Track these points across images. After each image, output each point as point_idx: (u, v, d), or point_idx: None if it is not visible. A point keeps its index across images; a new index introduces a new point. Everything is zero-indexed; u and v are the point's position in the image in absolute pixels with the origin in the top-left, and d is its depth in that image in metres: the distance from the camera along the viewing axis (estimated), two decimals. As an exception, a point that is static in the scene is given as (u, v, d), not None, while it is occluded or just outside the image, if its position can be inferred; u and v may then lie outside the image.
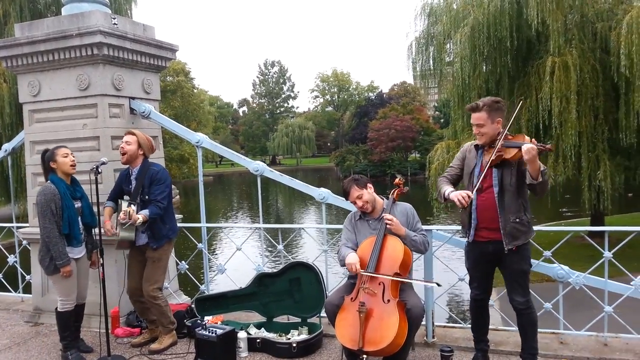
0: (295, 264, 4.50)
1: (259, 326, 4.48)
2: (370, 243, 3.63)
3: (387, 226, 3.60)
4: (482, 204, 3.40)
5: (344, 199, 4.11)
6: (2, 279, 6.13)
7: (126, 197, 4.23)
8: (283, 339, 4.21)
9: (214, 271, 5.47)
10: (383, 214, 3.68)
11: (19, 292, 6.03)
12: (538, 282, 6.95)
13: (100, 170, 4.02)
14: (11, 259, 6.06)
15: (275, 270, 4.63)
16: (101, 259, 4.02)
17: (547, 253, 4.10)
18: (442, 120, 56.00)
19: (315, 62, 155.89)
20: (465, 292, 3.79)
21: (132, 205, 4.08)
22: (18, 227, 5.82)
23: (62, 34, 4.62)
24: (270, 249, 9.44)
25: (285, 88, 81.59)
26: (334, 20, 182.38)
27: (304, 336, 4.23)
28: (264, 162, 5.55)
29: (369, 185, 3.82)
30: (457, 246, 4.17)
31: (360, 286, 3.51)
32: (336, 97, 78.33)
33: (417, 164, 46.71)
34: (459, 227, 3.90)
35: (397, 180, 3.94)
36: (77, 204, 4.09)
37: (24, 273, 5.86)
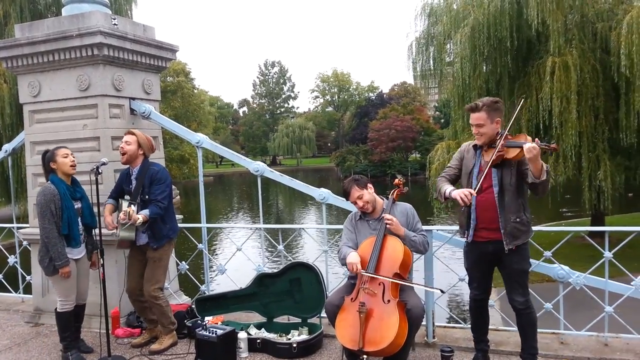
0: (296, 264, 4.50)
1: (259, 326, 4.48)
2: (370, 243, 3.63)
3: (387, 226, 3.61)
4: (482, 204, 3.40)
5: (344, 199, 4.11)
6: (2, 280, 6.14)
7: (127, 197, 4.24)
8: (283, 340, 4.21)
9: (214, 271, 5.48)
10: (383, 214, 3.68)
11: (19, 293, 6.03)
12: (538, 282, 6.95)
13: (100, 171, 4.02)
14: (11, 259, 6.06)
15: (275, 271, 4.63)
16: (101, 260, 4.02)
17: (548, 253, 4.10)
18: (442, 121, 55.98)
19: (316, 62, 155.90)
20: (465, 292, 3.80)
21: (132, 206, 4.08)
22: (18, 228, 5.83)
23: (63, 34, 4.63)
24: (270, 249, 9.43)
25: (285, 88, 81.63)
26: (334, 20, 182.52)
27: (304, 336, 4.23)
28: (264, 162, 5.57)
29: (369, 185, 3.83)
30: (458, 246, 4.17)
31: (360, 286, 3.51)
32: (336, 97, 78.32)
33: (418, 164, 46.70)
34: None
35: (396, 180, 3.94)
36: (77, 205, 4.09)
37: (24, 273, 5.87)
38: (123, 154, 4.23)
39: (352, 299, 3.52)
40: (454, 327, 4.57)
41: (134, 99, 5.10)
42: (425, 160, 19.16)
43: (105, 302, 3.98)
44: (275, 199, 37.51)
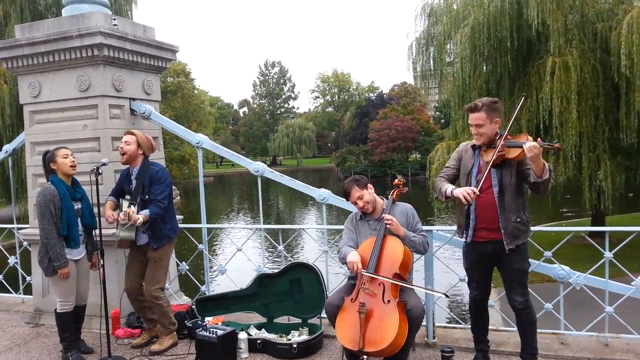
0: (296, 264, 4.50)
1: (259, 327, 4.48)
2: (370, 243, 3.63)
3: (387, 226, 3.60)
4: (482, 204, 3.39)
5: (344, 199, 4.11)
6: (2, 280, 6.14)
7: (127, 197, 4.24)
8: (283, 340, 4.21)
9: (214, 272, 5.48)
10: (383, 215, 3.68)
11: (19, 293, 6.03)
12: (539, 283, 6.96)
13: (100, 171, 4.01)
14: (12, 260, 6.06)
15: (275, 271, 4.63)
16: (102, 260, 4.02)
17: (548, 253, 4.10)
18: (442, 121, 55.98)
19: (316, 62, 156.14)
20: (465, 292, 3.79)
21: (132, 206, 4.08)
22: (19, 228, 5.82)
23: (63, 35, 4.63)
24: (270, 249, 9.43)
25: (285, 89, 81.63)
26: (335, 20, 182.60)
27: (304, 337, 4.23)
28: (265, 162, 5.57)
29: (370, 185, 3.82)
30: (458, 246, 4.17)
31: (360, 287, 3.51)
32: (336, 97, 78.33)
33: (418, 164, 46.70)
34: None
35: (396, 180, 3.94)
36: (77, 206, 4.09)
37: (24, 274, 5.87)
38: (123, 154, 4.23)
39: (352, 299, 3.51)
40: (454, 328, 4.56)
41: (134, 99, 5.10)
42: (425, 161, 19.15)
43: (106, 303, 3.98)
44: (276, 200, 37.50)
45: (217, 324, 4.42)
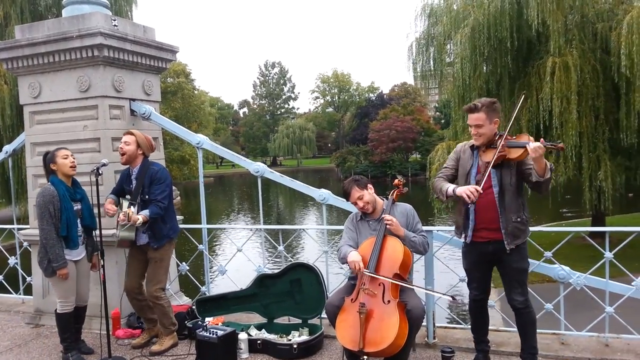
0: (296, 265, 4.51)
1: (259, 327, 4.48)
2: (370, 244, 3.63)
3: (387, 227, 3.60)
4: (482, 205, 3.39)
5: (344, 199, 4.11)
6: (3, 281, 6.14)
7: (127, 197, 4.24)
8: (284, 340, 4.21)
9: (214, 272, 5.47)
10: (383, 215, 3.68)
11: (19, 294, 6.04)
12: (539, 283, 6.95)
13: (101, 172, 4.02)
14: (12, 260, 6.06)
15: (276, 272, 4.63)
16: (102, 261, 4.02)
17: (548, 254, 4.10)
18: (442, 121, 55.98)
19: (316, 63, 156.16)
20: (466, 292, 3.79)
21: (132, 206, 4.08)
22: (19, 229, 5.83)
23: (63, 35, 4.63)
24: (270, 250, 9.43)
25: (285, 89, 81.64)
26: (335, 21, 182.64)
27: (304, 337, 4.23)
28: (265, 163, 5.57)
29: (370, 186, 3.83)
30: (458, 247, 4.16)
31: (360, 287, 3.51)
32: (337, 98, 78.35)
33: (418, 164, 46.66)
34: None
35: (396, 181, 3.94)
36: (77, 206, 4.09)
37: (24, 275, 5.87)
38: (122, 155, 4.23)
39: (352, 299, 3.51)
40: (454, 328, 4.56)
41: (134, 99, 5.11)
42: (425, 161, 19.13)
43: (106, 303, 3.98)
44: (276, 200, 37.51)
45: (218, 324, 4.42)
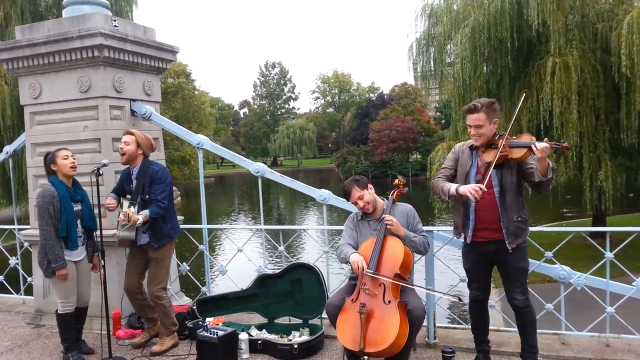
0: (297, 265, 4.50)
1: (260, 327, 4.48)
2: (370, 244, 3.63)
3: (387, 227, 3.60)
4: (482, 205, 3.39)
5: (345, 200, 4.11)
6: (3, 281, 6.14)
7: (128, 197, 4.24)
8: (284, 340, 4.21)
9: (215, 273, 5.48)
10: (383, 215, 3.68)
11: (20, 294, 6.04)
12: (539, 283, 6.94)
13: (101, 172, 4.02)
14: (13, 260, 6.06)
15: (276, 272, 4.63)
16: (102, 261, 4.02)
17: (549, 254, 4.10)
18: (443, 121, 55.96)
19: (316, 63, 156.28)
20: (466, 292, 3.79)
21: (132, 206, 4.08)
22: (19, 229, 5.83)
23: (63, 36, 4.63)
24: (271, 250, 9.43)
25: (286, 89, 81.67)
26: (335, 21, 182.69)
27: (305, 337, 4.23)
28: (265, 163, 5.57)
29: (370, 186, 3.82)
30: (458, 247, 4.16)
31: (361, 287, 3.51)
32: (337, 98, 78.37)
33: (419, 164, 46.66)
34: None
35: (396, 181, 3.94)
36: (77, 207, 4.09)
37: (25, 275, 5.87)
38: (122, 154, 4.23)
39: (352, 299, 3.51)
40: (455, 328, 4.56)
41: (134, 100, 5.11)
42: (426, 161, 19.13)
43: (107, 303, 3.98)
44: (276, 200, 37.50)
45: (218, 324, 4.42)
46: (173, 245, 4.50)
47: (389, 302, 3.38)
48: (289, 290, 4.47)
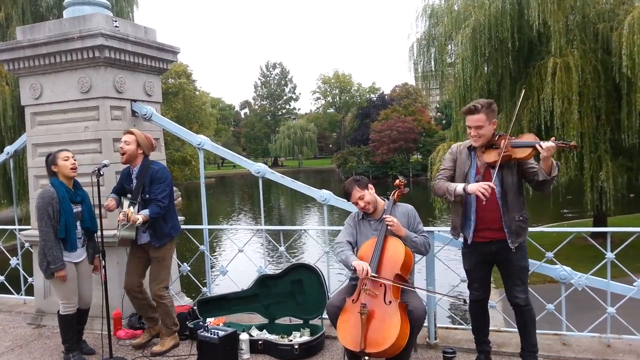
0: (297, 265, 4.51)
1: (261, 328, 4.48)
2: (371, 244, 3.63)
3: (388, 227, 3.60)
4: (483, 205, 3.38)
5: (345, 200, 4.11)
6: (4, 281, 6.15)
7: (128, 196, 4.25)
8: (285, 341, 4.21)
9: (216, 273, 5.47)
10: (384, 215, 3.68)
11: (21, 295, 6.04)
12: (540, 284, 6.94)
13: (102, 173, 4.02)
14: (13, 261, 6.07)
15: (277, 272, 4.63)
16: (103, 261, 4.02)
17: (550, 254, 4.10)
18: (443, 122, 55.90)
19: (317, 63, 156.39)
20: (467, 293, 3.79)
21: (132, 206, 4.09)
22: (20, 230, 5.83)
23: (64, 36, 4.64)
24: (272, 250, 9.43)
25: (286, 90, 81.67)
26: (336, 21, 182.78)
27: (306, 338, 4.23)
28: (266, 163, 5.57)
29: (370, 186, 3.83)
30: (459, 247, 4.16)
31: (361, 288, 3.51)
32: (338, 98, 78.36)
33: (419, 165, 46.66)
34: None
35: (397, 181, 3.94)
36: (77, 209, 4.08)
37: (26, 275, 5.88)
38: (122, 154, 4.24)
39: (353, 300, 3.51)
40: (456, 329, 4.56)
41: (135, 100, 5.11)
42: (426, 162, 19.11)
43: (107, 304, 3.99)
44: (277, 201, 37.50)
45: (219, 324, 4.42)
46: (174, 244, 4.50)
47: (390, 302, 3.38)
48: (290, 290, 4.47)
